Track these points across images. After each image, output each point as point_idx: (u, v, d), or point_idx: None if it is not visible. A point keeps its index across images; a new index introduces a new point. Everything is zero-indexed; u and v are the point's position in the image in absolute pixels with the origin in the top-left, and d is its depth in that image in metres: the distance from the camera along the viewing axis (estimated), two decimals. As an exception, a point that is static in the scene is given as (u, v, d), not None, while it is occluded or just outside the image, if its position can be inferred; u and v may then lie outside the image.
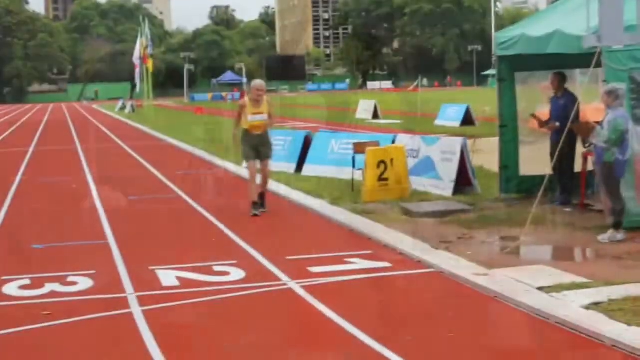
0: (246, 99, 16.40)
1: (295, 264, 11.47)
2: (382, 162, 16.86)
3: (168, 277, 11.00)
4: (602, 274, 10.22)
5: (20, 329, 8.90)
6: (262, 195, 16.12)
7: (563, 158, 14.55)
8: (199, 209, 16.91)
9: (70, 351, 8.17)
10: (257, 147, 16.08)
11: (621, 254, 11.43)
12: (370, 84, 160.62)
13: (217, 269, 11.37)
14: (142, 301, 9.84)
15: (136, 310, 9.50)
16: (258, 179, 16.12)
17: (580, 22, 12.96)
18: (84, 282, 10.88)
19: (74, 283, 10.87)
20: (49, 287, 10.66)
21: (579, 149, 15.30)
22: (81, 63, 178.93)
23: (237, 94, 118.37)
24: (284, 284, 10.47)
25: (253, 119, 15.95)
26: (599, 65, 12.42)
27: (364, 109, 50.89)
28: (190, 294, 10.11)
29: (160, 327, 8.76)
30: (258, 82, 16.52)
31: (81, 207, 17.82)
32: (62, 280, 10.99)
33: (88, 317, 9.28)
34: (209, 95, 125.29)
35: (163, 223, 15.61)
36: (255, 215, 15.61)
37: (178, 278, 10.92)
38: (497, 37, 15.99)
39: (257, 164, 16.18)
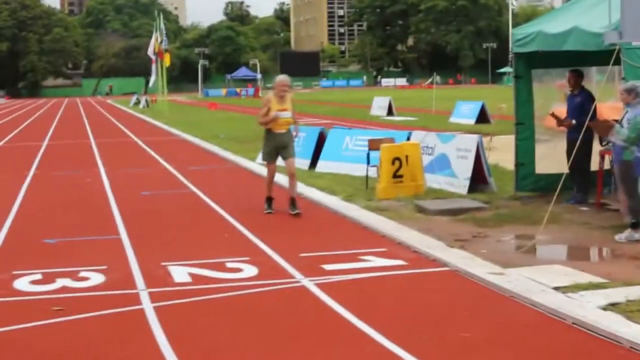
0: (271, 94, 15.61)
1: (308, 261, 11.37)
2: (397, 159, 16.75)
3: (180, 273, 10.91)
4: (620, 274, 10.09)
5: (30, 325, 8.81)
6: (293, 200, 15.37)
7: (580, 156, 14.41)
8: (212, 204, 16.83)
9: (80, 348, 8.07)
10: (278, 147, 15.44)
11: (639, 253, 11.29)
12: (385, 81, 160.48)
13: (229, 265, 11.28)
14: (153, 297, 9.75)
15: (147, 306, 9.40)
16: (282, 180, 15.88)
17: (598, 19, 12.83)
18: (95, 278, 10.80)
19: (85, 278, 10.79)
20: (60, 282, 10.57)
21: (596, 147, 15.17)
22: (96, 58, 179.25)
23: (251, 90, 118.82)
24: (297, 281, 10.36)
25: (277, 115, 15.28)
26: (617, 62, 12.28)
27: (378, 105, 50.88)
28: (202, 290, 10.02)
29: (171, 324, 8.66)
30: (283, 78, 15.75)
31: (94, 202, 17.75)
32: (74, 276, 10.91)
33: (99, 313, 9.19)
34: (223, 91, 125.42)
35: (176, 218, 15.52)
36: (269, 212, 15.39)
37: (190, 274, 10.83)
38: (514, 33, 15.84)
39: (275, 165, 15.63)
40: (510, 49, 16.19)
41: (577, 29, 13.48)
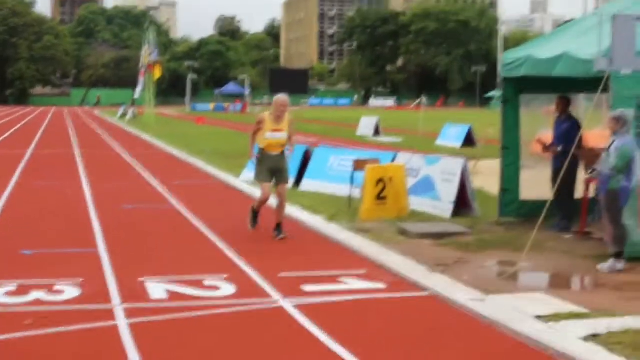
0: (265, 113, 14.85)
1: (287, 281, 11.22)
2: (381, 180, 16.64)
3: (157, 289, 10.75)
4: (602, 304, 9.97)
5: (0, 337, 8.63)
6: (279, 225, 14.77)
7: (564, 184, 14.31)
8: (194, 220, 16.67)
9: (50, 363, 7.92)
10: (272, 169, 14.74)
11: (621, 284, 11.20)
12: (373, 101, 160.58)
13: (207, 282, 11.12)
14: (128, 313, 9.59)
15: (122, 322, 9.24)
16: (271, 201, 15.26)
17: (588, 45, 12.77)
18: (70, 291, 10.63)
19: (60, 291, 10.61)
20: (34, 295, 10.40)
21: (581, 174, 15.08)
22: (85, 67, 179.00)
23: (239, 105, 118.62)
24: (275, 302, 10.21)
25: (272, 136, 14.55)
26: (605, 90, 12.21)
27: (365, 125, 50.79)
28: (178, 308, 9.86)
29: (145, 341, 8.50)
30: (282, 98, 14.81)
31: (74, 213, 17.57)
32: (49, 288, 10.74)
33: (71, 328, 9.02)
34: (211, 105, 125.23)
35: (156, 233, 15.35)
36: (253, 227, 15.22)
37: (167, 291, 10.66)
38: (504, 58, 15.77)
39: (270, 186, 14.92)
40: (498, 73, 16.11)
41: (567, 55, 13.43)
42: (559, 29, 16.84)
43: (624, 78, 12.26)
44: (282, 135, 14.63)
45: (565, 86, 15.52)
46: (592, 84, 12.59)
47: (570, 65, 13.28)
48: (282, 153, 14.82)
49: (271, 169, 14.75)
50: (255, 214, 15.33)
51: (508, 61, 15.49)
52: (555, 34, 16.23)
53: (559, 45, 14.09)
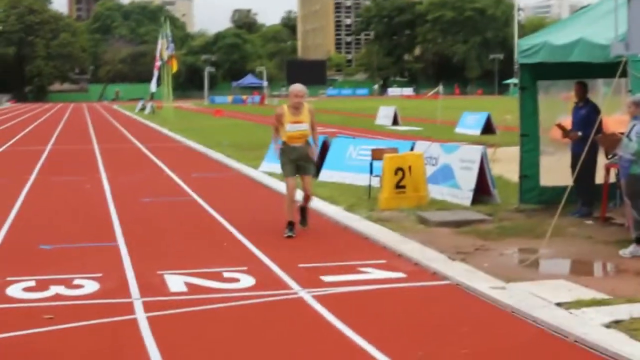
0: (284, 106, 14.37)
1: (307, 272, 11.19)
2: (400, 169, 16.57)
3: (176, 282, 10.73)
4: (624, 290, 9.87)
5: (21, 333, 8.63)
6: (303, 210, 14.58)
7: (584, 169, 14.20)
8: (213, 212, 16.65)
9: (69, 358, 7.89)
10: (297, 161, 14.19)
11: (643, 269, 11.09)
12: (391, 90, 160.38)
13: (226, 275, 11.09)
14: (147, 307, 9.56)
15: (141, 316, 9.22)
16: (297, 196, 14.69)
17: (604, 30, 12.64)
18: (89, 285, 10.63)
19: (79, 286, 10.62)
20: (54, 290, 10.40)
21: (601, 160, 14.98)
22: (102, 63, 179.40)
23: (257, 97, 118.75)
24: (295, 293, 10.17)
25: (292, 128, 14.06)
26: (624, 74, 12.09)
27: (383, 115, 50.75)
28: (197, 300, 9.83)
29: (164, 334, 8.48)
30: (296, 87, 14.28)
31: (93, 208, 17.59)
32: (68, 283, 10.74)
33: (91, 322, 9.01)
34: (229, 98, 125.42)
35: (175, 226, 15.33)
36: (290, 236, 13.87)
37: (186, 283, 10.64)
38: (520, 44, 15.65)
39: (297, 180, 14.38)
40: (515, 60, 16.00)
41: (583, 40, 13.30)
42: (575, 15, 16.71)
43: (642, 62, 12.14)
44: (303, 127, 14.12)
45: (583, 72, 15.39)
46: (610, 68, 12.47)
47: (587, 51, 13.15)
48: (307, 143, 14.25)
49: (294, 160, 14.19)
50: (290, 225, 14.09)
51: (524, 48, 15.37)
52: (571, 19, 16.09)
53: (575, 31, 13.96)
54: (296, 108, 14.16)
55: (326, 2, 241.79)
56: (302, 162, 14.28)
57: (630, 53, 11.32)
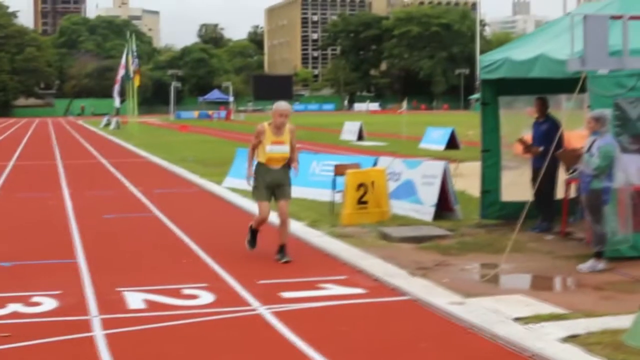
0: (265, 124, 13.16)
1: (266, 288, 11.16)
2: (362, 184, 16.59)
3: (135, 299, 10.68)
4: (582, 304, 9.94)
5: (-24, 352, 8.57)
6: (282, 247, 13.24)
7: (544, 184, 14.32)
8: (174, 229, 16.59)
9: (25, 377, 7.84)
10: (272, 185, 13.14)
11: (602, 284, 11.17)
12: (357, 105, 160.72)
13: (186, 291, 11.05)
14: (105, 324, 9.52)
15: (99, 333, 9.17)
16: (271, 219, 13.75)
17: (564, 46, 12.71)
18: (48, 303, 10.56)
19: (37, 304, 10.54)
20: (11, 308, 10.32)
21: (561, 175, 15.07)
22: (68, 78, 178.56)
23: (223, 113, 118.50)
24: (253, 310, 10.15)
25: (272, 149, 12.97)
26: (583, 90, 12.19)
27: (349, 130, 50.82)
28: (155, 317, 9.79)
29: (121, 352, 8.44)
30: (282, 105, 13.20)
31: (55, 224, 17.47)
32: (26, 300, 10.66)
33: (47, 340, 8.95)
34: (196, 113, 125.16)
35: (136, 243, 15.27)
36: (252, 249, 13.52)
37: (145, 300, 10.59)
38: (481, 60, 15.76)
39: (269, 205, 13.29)
40: (477, 76, 16.09)
41: (543, 56, 13.39)
42: (536, 31, 16.84)
43: (600, 78, 12.25)
44: (284, 149, 13.06)
45: (545, 87, 15.50)
46: (571, 84, 12.56)
47: (547, 67, 13.24)
48: (285, 167, 13.24)
49: (270, 184, 13.14)
50: (254, 233, 13.57)
51: (486, 63, 15.47)
52: (533, 35, 16.22)
53: (536, 47, 14.06)
54: (278, 128, 13.03)
55: (293, 17, 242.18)
56: (279, 186, 13.20)
57: (586, 69, 11.41)
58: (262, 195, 13.19)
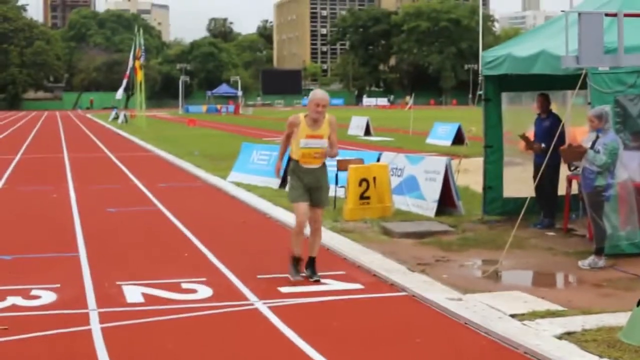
0: (300, 115, 11.49)
1: (265, 283, 11.17)
2: (364, 180, 16.59)
3: (134, 293, 10.70)
4: (580, 301, 9.95)
5: (-27, 344, 8.60)
6: (312, 261, 11.53)
7: (546, 181, 14.31)
8: (177, 223, 16.60)
9: (20, 369, 7.87)
10: (310, 186, 11.44)
11: (601, 281, 11.17)
12: (366, 100, 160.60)
13: (184, 286, 11.06)
14: (103, 318, 9.54)
15: (95, 327, 9.19)
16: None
17: (565, 42, 12.72)
18: (47, 296, 10.58)
19: (36, 297, 10.57)
20: (10, 300, 10.36)
21: (563, 171, 15.04)
22: (77, 71, 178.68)
23: (231, 107, 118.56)
24: (251, 304, 10.16)
25: (307, 143, 11.28)
26: (583, 87, 12.18)
27: (356, 125, 50.74)
28: (153, 311, 9.81)
29: (117, 345, 8.46)
30: (319, 94, 11.44)
31: (57, 218, 17.49)
32: (25, 294, 10.69)
33: (45, 333, 8.98)
34: (204, 107, 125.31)
35: (138, 237, 15.29)
36: (298, 280, 11.31)
37: (143, 294, 10.62)
38: (484, 56, 15.75)
39: (307, 206, 11.50)
40: (480, 72, 16.08)
41: (545, 52, 13.39)
42: (538, 27, 16.83)
43: (601, 75, 12.25)
44: (321, 143, 11.32)
45: (547, 83, 15.47)
46: (573, 80, 12.55)
47: (549, 63, 13.23)
48: (323, 166, 11.60)
49: (308, 185, 11.46)
50: (296, 261, 11.55)
51: (488, 59, 15.46)
52: (535, 31, 16.21)
53: (538, 43, 14.06)
54: (315, 120, 11.32)
55: (302, 12, 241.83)
56: (317, 189, 11.52)
57: (579, 66, 11.42)
58: (301, 196, 11.43)
